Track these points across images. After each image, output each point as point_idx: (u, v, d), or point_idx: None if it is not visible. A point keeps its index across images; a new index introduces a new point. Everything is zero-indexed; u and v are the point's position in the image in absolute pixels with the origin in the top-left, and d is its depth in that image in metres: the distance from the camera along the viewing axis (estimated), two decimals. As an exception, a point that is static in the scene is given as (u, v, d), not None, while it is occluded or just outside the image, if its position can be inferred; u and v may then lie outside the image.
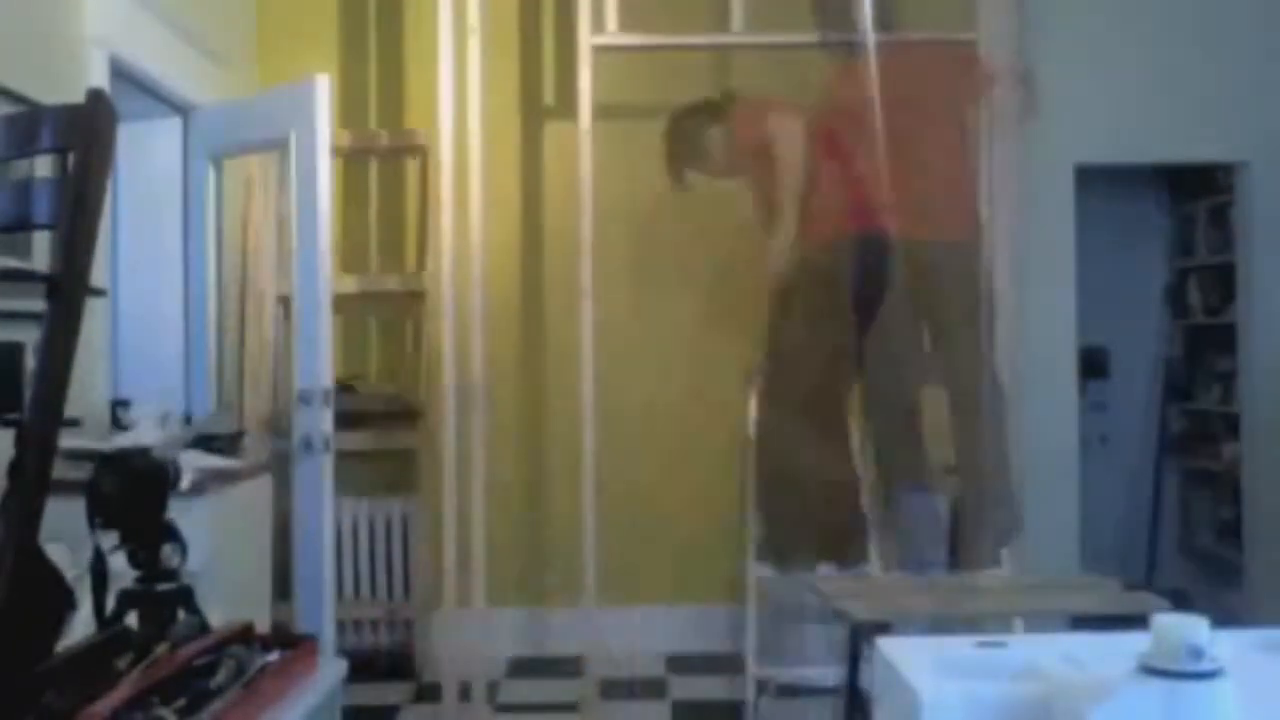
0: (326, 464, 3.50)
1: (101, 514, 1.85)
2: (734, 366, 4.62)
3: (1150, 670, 1.12)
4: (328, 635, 3.61)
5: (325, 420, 3.47)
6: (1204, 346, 5.50)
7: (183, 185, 3.80)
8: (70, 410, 1.77)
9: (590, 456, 3.81)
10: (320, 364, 3.47)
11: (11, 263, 2.59)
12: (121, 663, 1.71)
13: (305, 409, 3.48)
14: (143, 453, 2.05)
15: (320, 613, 3.59)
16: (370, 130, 4.58)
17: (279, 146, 3.74)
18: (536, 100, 4.68)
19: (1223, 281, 5.09)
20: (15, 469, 1.61)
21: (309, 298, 3.52)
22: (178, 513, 1.95)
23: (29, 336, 1.70)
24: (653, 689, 4.18)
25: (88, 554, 1.87)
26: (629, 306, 4.58)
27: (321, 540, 3.59)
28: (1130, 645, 1.19)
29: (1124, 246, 5.57)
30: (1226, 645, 1.17)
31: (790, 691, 4.12)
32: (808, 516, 3.66)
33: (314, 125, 3.46)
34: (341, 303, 4.11)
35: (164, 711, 1.52)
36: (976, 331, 3.49)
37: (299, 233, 3.58)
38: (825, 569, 3.62)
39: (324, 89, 3.47)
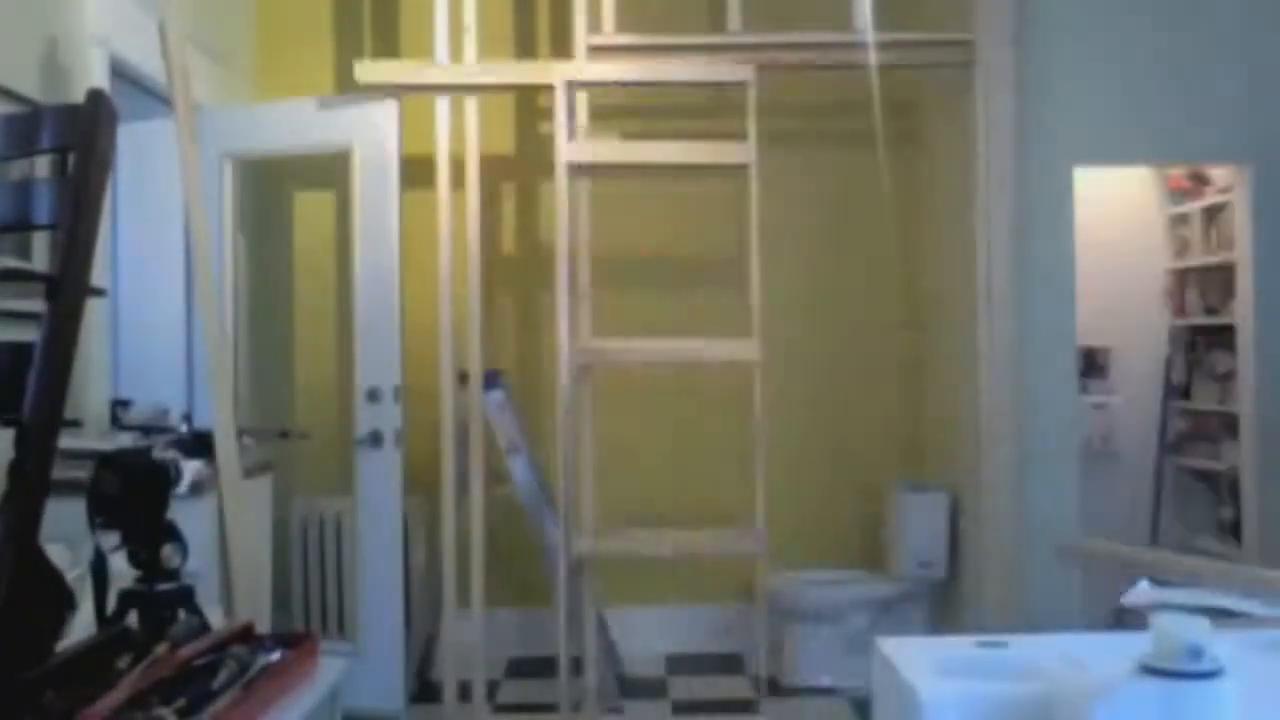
0: (396, 459, 3.77)
1: (102, 514, 1.85)
2: (732, 366, 4.62)
3: (1150, 670, 1.12)
4: (395, 628, 3.77)
5: (395, 416, 3.76)
6: (1204, 346, 5.50)
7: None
8: (70, 410, 1.77)
9: (590, 456, 3.81)
10: (391, 363, 3.76)
11: (11, 263, 2.60)
12: (121, 663, 1.71)
13: (372, 405, 3.78)
14: (143, 453, 2.05)
15: (389, 609, 3.77)
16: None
17: (334, 154, 3.99)
18: (531, 99, 4.68)
19: (1223, 281, 5.09)
20: (15, 469, 1.61)
21: (379, 300, 3.77)
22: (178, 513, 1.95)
23: (29, 336, 1.70)
24: (653, 689, 4.18)
25: (88, 554, 1.87)
26: (628, 305, 4.58)
27: (390, 534, 3.79)
28: (1130, 645, 1.19)
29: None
30: (1226, 645, 1.17)
31: (792, 691, 4.13)
32: None
33: (383, 136, 3.79)
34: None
35: (164, 711, 1.52)
36: None
37: (366, 238, 3.80)
38: None
39: (392, 107, 3.80)
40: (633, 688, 4.17)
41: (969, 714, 1.28)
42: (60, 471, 1.70)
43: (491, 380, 3.96)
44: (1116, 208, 5.50)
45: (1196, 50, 3.98)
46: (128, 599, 1.86)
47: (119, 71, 3.33)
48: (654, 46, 3.85)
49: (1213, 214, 5.31)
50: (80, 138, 1.75)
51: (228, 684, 1.64)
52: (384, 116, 3.81)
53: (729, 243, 4.51)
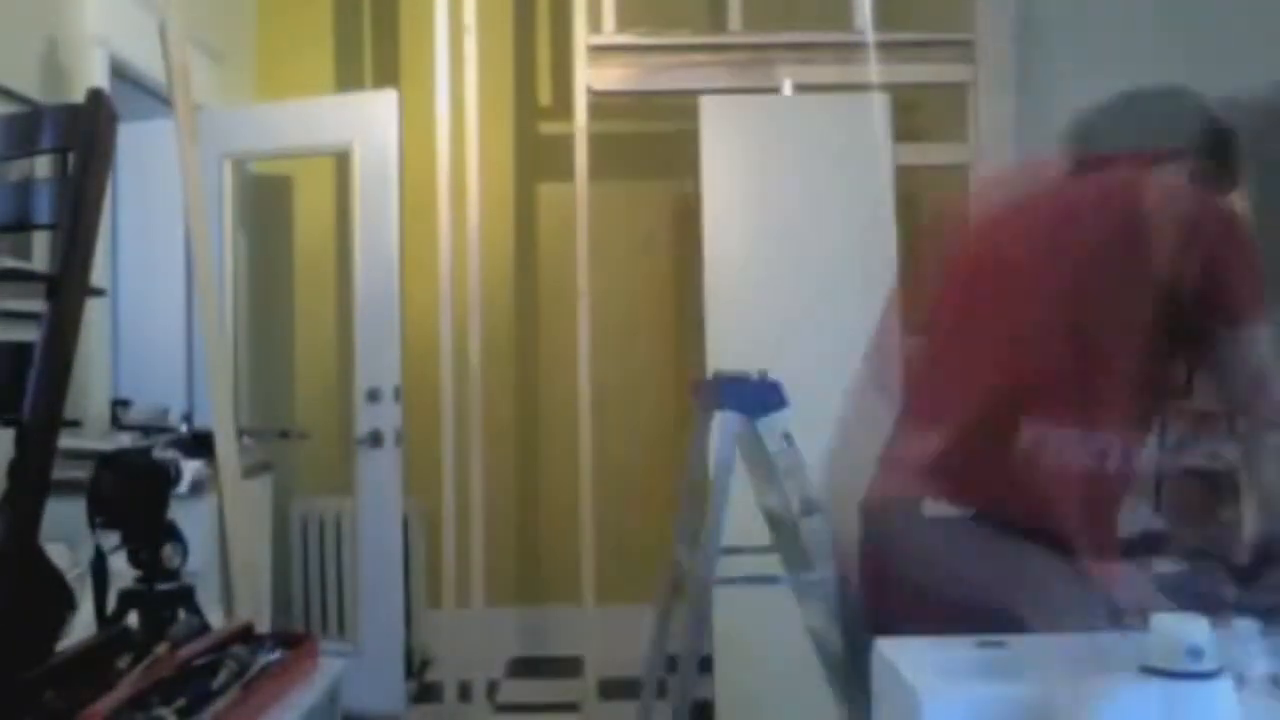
0: (396, 459, 3.77)
1: (102, 514, 1.85)
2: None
3: (1150, 670, 1.12)
4: (395, 628, 3.79)
5: (395, 416, 3.76)
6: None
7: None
8: (70, 410, 1.77)
9: (588, 456, 3.81)
10: (391, 363, 3.77)
11: (11, 263, 2.59)
12: (121, 663, 1.71)
13: (372, 405, 3.78)
14: (143, 453, 2.05)
15: (389, 609, 3.78)
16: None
17: (333, 153, 4.06)
18: (532, 99, 4.69)
19: (1222, 281, 5.09)
20: (15, 469, 1.61)
21: (380, 299, 3.77)
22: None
23: (29, 336, 1.70)
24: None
25: (88, 554, 1.87)
26: (628, 306, 4.58)
27: (390, 534, 3.81)
28: (1130, 645, 1.19)
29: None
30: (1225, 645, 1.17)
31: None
32: None
33: (383, 135, 3.78)
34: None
35: (164, 711, 1.52)
36: None
37: (366, 237, 3.80)
38: None
39: (391, 101, 3.81)
40: (632, 688, 4.16)
41: (969, 714, 1.28)
42: (60, 471, 1.70)
43: (770, 396, 2.37)
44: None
45: (1196, 50, 3.98)
46: (128, 599, 1.86)
47: (119, 71, 3.33)
48: (655, 47, 3.86)
49: (1213, 214, 5.30)
50: (80, 138, 1.75)
51: (228, 684, 1.64)
52: (384, 115, 3.81)
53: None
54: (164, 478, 1.96)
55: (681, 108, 4.42)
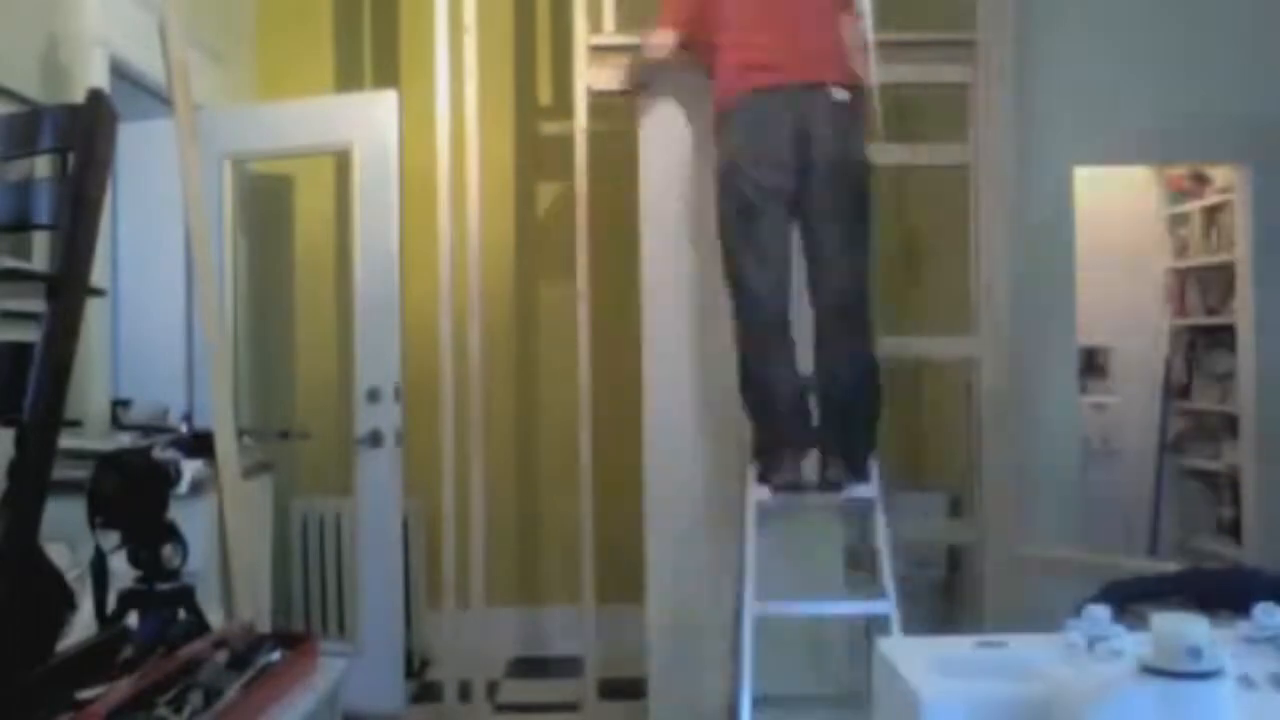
0: (396, 459, 3.79)
1: (102, 514, 1.85)
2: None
3: (1150, 670, 1.12)
4: (395, 629, 3.80)
5: (395, 416, 3.78)
6: (1204, 346, 5.50)
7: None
8: (70, 410, 1.77)
9: (588, 456, 3.81)
10: (391, 363, 3.78)
11: (11, 263, 2.59)
12: (121, 662, 1.71)
13: (373, 405, 3.79)
14: (143, 453, 2.05)
15: (388, 609, 3.80)
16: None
17: (332, 153, 4.10)
18: (532, 99, 4.69)
19: (1223, 281, 5.09)
20: (15, 469, 1.61)
21: (380, 299, 3.78)
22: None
23: (29, 336, 1.70)
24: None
25: (88, 554, 1.87)
26: (625, 305, 4.58)
27: (390, 534, 3.82)
28: (1130, 645, 1.19)
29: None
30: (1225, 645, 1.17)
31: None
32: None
33: (383, 135, 3.80)
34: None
35: (164, 711, 1.52)
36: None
37: (367, 237, 3.82)
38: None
39: (391, 102, 3.84)
40: (631, 687, 4.16)
41: (969, 714, 1.28)
42: (60, 471, 1.70)
43: None
44: (1117, 208, 5.50)
45: (1197, 50, 3.98)
46: (128, 599, 1.86)
47: (119, 71, 3.33)
48: (654, 46, 3.85)
49: (1213, 214, 5.31)
50: (80, 138, 1.76)
51: (227, 684, 1.65)
52: (384, 115, 3.82)
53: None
54: (164, 478, 1.96)
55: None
